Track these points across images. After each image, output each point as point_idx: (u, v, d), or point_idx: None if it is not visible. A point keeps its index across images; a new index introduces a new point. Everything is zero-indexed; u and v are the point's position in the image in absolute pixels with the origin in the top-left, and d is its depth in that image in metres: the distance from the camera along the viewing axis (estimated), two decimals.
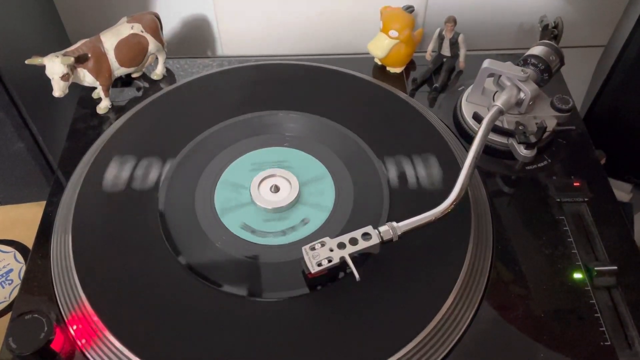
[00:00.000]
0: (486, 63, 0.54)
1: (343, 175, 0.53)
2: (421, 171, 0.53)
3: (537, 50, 0.56)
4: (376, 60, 0.65)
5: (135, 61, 0.60)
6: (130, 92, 0.62)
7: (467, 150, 0.48)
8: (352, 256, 0.43)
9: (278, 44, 0.76)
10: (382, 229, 0.44)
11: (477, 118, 0.54)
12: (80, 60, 0.55)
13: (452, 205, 0.45)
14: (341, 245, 0.44)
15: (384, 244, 0.44)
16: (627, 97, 0.67)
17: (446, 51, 0.63)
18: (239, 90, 0.60)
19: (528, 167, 0.54)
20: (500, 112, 0.51)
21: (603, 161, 0.56)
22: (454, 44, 0.62)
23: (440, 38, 0.62)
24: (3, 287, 0.56)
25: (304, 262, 0.44)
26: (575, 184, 0.53)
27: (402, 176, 0.52)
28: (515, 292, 0.46)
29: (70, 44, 0.56)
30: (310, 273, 0.43)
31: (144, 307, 0.44)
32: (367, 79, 0.62)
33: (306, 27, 0.74)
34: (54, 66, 0.53)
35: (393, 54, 0.62)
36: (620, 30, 0.72)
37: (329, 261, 0.43)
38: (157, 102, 0.59)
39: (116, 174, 0.52)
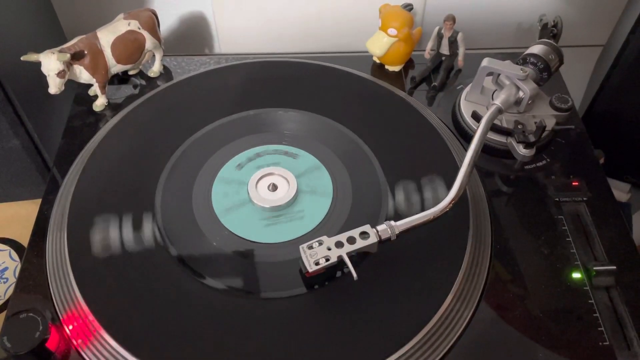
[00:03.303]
0: (485, 62, 0.54)
1: (341, 174, 0.53)
2: (419, 170, 0.52)
3: (537, 49, 0.55)
4: (375, 58, 0.65)
5: (132, 58, 0.59)
6: (126, 90, 0.62)
7: (465, 149, 0.48)
8: (350, 255, 0.43)
9: (276, 41, 0.75)
10: (380, 228, 0.44)
11: (476, 117, 0.54)
12: (77, 57, 0.55)
13: (451, 205, 0.45)
14: (339, 244, 0.44)
15: (382, 243, 0.44)
16: (626, 97, 0.67)
17: (445, 50, 0.63)
18: (236, 88, 0.60)
19: (527, 167, 0.54)
20: (499, 111, 0.51)
21: (602, 161, 0.56)
22: (452, 43, 0.62)
23: (439, 36, 0.62)
24: None
25: (302, 261, 0.43)
26: (574, 184, 0.53)
27: (400, 175, 0.52)
28: (513, 292, 0.46)
29: (66, 41, 0.56)
30: (307, 272, 0.43)
31: (140, 306, 0.43)
32: (366, 77, 0.62)
33: (304, 25, 0.73)
34: (50, 63, 0.52)
35: (392, 52, 0.62)
36: (619, 29, 0.72)
37: (327, 260, 0.43)
38: (153, 100, 0.59)
39: (112, 172, 0.52)
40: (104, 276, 0.45)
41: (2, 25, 0.56)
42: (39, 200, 0.52)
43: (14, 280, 0.56)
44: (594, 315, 0.44)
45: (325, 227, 0.49)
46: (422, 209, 0.45)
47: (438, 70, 0.63)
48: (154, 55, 0.62)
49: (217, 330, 0.42)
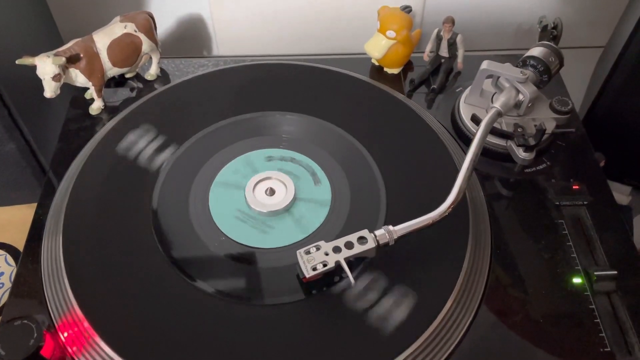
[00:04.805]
0: (485, 64, 0.53)
1: (339, 178, 0.52)
2: (418, 174, 0.52)
3: (536, 51, 0.55)
4: (373, 60, 0.64)
5: (129, 61, 0.59)
6: (123, 93, 0.61)
7: (465, 153, 0.48)
8: (348, 260, 0.43)
9: (274, 43, 0.75)
10: (379, 232, 0.44)
11: (476, 120, 0.54)
12: (72, 60, 0.54)
13: (450, 209, 0.44)
14: (336, 249, 0.43)
15: (380, 248, 0.44)
16: (626, 99, 0.66)
17: (444, 52, 0.62)
18: (234, 91, 0.59)
19: (527, 170, 0.54)
20: (499, 114, 0.50)
21: (602, 164, 0.56)
22: (452, 45, 0.61)
23: (438, 38, 0.62)
24: None
25: (299, 266, 0.43)
26: (574, 187, 0.52)
27: (399, 179, 0.52)
28: (514, 297, 0.45)
29: (63, 43, 0.56)
30: (305, 277, 0.43)
31: (136, 313, 0.43)
32: (364, 80, 0.61)
33: (303, 26, 0.73)
34: (45, 66, 0.52)
35: (390, 54, 0.62)
36: (619, 31, 0.71)
37: (324, 265, 0.42)
38: (150, 103, 0.58)
39: (108, 176, 0.52)
40: (100, 282, 0.45)
41: None
42: (35, 205, 0.52)
43: (10, 285, 0.55)
44: (595, 320, 0.44)
45: (323, 232, 0.49)
46: (421, 213, 0.44)
47: (437, 73, 0.62)
48: (150, 58, 0.62)
49: (214, 337, 0.42)
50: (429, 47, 0.63)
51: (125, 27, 0.57)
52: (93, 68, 0.56)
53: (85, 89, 0.59)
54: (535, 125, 0.52)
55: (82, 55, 0.55)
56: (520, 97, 0.52)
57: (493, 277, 0.46)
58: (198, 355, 0.41)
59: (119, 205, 0.50)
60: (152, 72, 0.63)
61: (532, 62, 0.54)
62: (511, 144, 0.53)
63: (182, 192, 0.51)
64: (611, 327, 0.44)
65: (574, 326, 0.44)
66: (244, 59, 0.66)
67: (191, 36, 0.74)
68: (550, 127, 0.53)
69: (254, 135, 0.56)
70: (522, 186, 0.53)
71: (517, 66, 0.54)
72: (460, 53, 0.62)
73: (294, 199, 0.50)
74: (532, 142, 0.51)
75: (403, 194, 0.51)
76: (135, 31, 0.58)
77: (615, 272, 0.46)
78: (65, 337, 0.42)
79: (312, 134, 0.56)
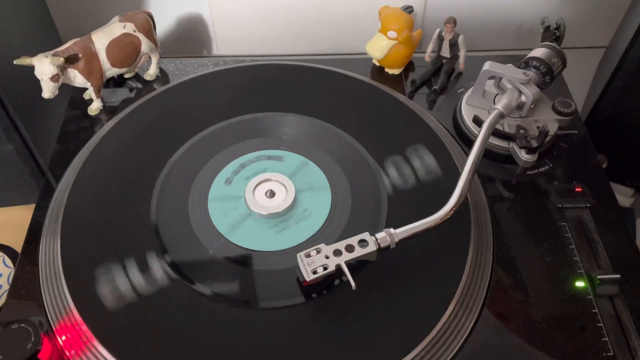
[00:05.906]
0: (487, 65, 0.53)
1: (340, 180, 0.52)
2: (420, 176, 0.52)
3: (539, 52, 0.54)
4: (374, 61, 0.64)
5: (128, 61, 0.58)
6: (122, 93, 0.61)
7: (466, 155, 0.47)
8: (349, 263, 0.42)
9: (275, 43, 0.75)
10: (380, 235, 0.43)
11: (477, 121, 0.53)
12: (71, 60, 0.54)
13: (452, 211, 0.44)
14: (337, 253, 0.43)
15: (382, 251, 0.43)
16: (629, 100, 0.66)
17: (446, 52, 0.62)
18: (234, 91, 0.59)
19: (529, 172, 0.53)
20: (501, 116, 0.50)
21: (605, 165, 0.55)
22: (453, 45, 0.61)
23: (440, 39, 0.61)
24: None
25: (299, 269, 0.43)
26: (577, 190, 0.52)
27: (400, 181, 0.51)
28: (516, 301, 0.45)
29: (61, 44, 0.55)
30: (305, 281, 0.42)
31: (134, 317, 0.43)
32: (365, 81, 0.61)
33: (303, 26, 0.73)
34: (44, 67, 0.51)
35: (391, 55, 0.61)
36: (622, 31, 0.71)
37: (325, 269, 0.42)
38: (150, 103, 0.58)
39: (107, 177, 0.51)
40: (98, 285, 0.44)
41: None
42: (33, 206, 0.51)
43: (8, 287, 0.55)
44: (598, 324, 0.44)
45: (324, 235, 0.48)
46: (423, 216, 0.44)
47: (439, 74, 0.62)
48: (150, 58, 0.61)
49: (213, 340, 0.42)
50: (430, 47, 0.62)
51: (124, 27, 0.57)
52: (92, 68, 0.55)
53: (84, 89, 0.58)
54: (537, 127, 0.52)
55: (80, 56, 0.54)
56: (523, 98, 0.52)
57: (495, 280, 0.46)
58: (197, 358, 0.41)
59: (117, 207, 0.49)
60: (151, 73, 0.62)
61: (534, 63, 0.54)
62: (513, 145, 0.52)
63: (182, 193, 0.51)
64: (614, 331, 0.43)
65: (577, 330, 0.43)
66: (244, 58, 0.65)
67: (191, 36, 0.74)
68: (552, 129, 0.53)
69: (254, 136, 0.55)
70: (524, 188, 0.52)
71: (519, 67, 0.54)
72: (461, 54, 0.61)
73: (295, 200, 0.50)
74: (534, 144, 0.51)
75: (404, 196, 0.50)
76: (135, 31, 0.58)
77: (619, 275, 0.46)
78: (63, 341, 0.42)
79: (312, 136, 0.55)
